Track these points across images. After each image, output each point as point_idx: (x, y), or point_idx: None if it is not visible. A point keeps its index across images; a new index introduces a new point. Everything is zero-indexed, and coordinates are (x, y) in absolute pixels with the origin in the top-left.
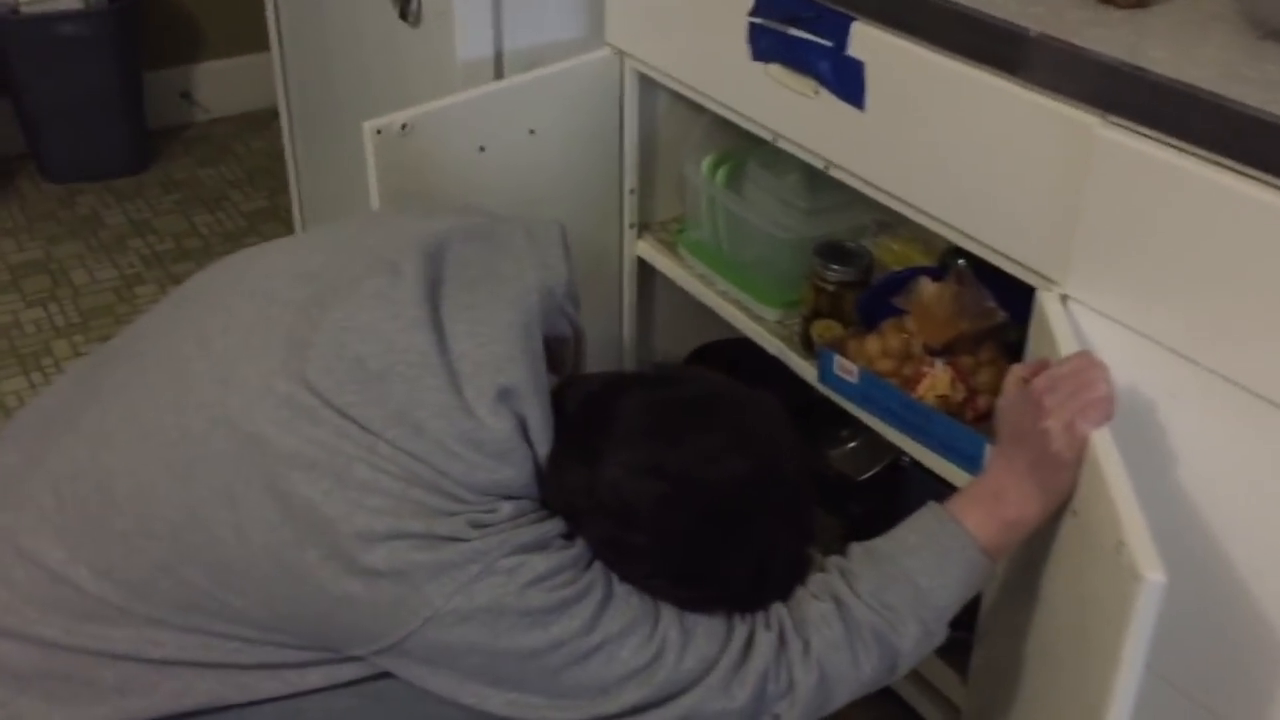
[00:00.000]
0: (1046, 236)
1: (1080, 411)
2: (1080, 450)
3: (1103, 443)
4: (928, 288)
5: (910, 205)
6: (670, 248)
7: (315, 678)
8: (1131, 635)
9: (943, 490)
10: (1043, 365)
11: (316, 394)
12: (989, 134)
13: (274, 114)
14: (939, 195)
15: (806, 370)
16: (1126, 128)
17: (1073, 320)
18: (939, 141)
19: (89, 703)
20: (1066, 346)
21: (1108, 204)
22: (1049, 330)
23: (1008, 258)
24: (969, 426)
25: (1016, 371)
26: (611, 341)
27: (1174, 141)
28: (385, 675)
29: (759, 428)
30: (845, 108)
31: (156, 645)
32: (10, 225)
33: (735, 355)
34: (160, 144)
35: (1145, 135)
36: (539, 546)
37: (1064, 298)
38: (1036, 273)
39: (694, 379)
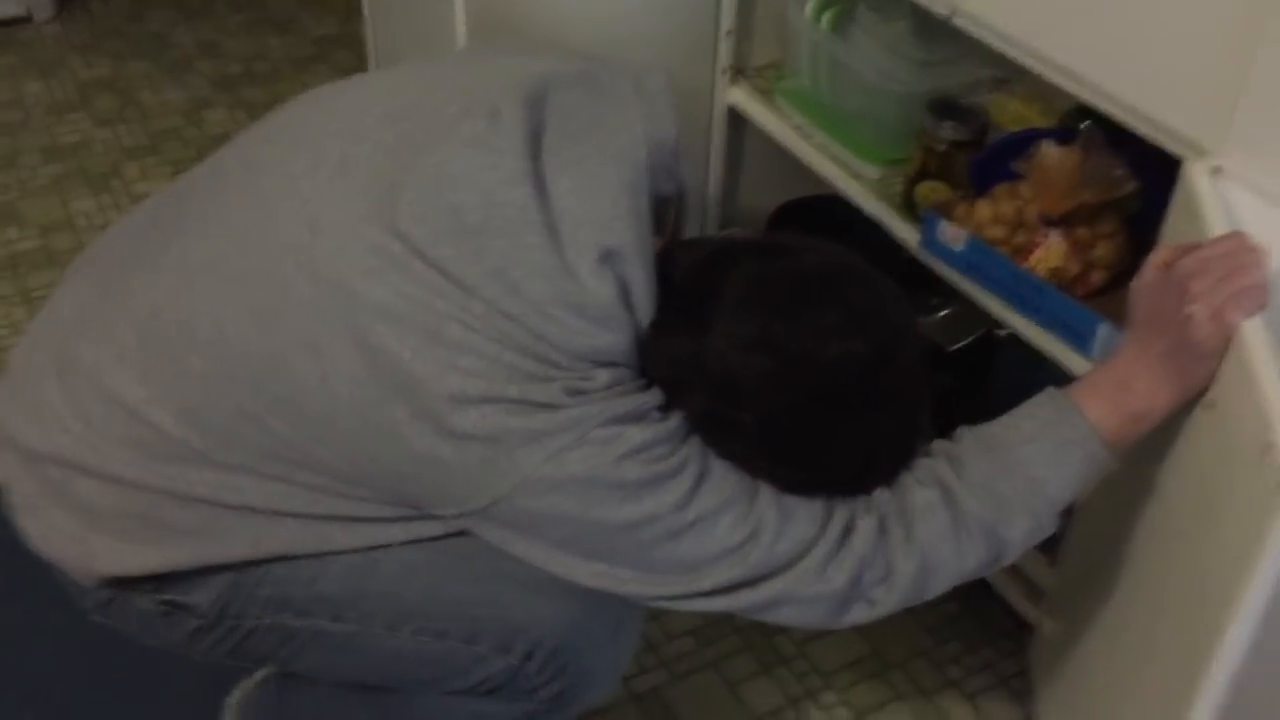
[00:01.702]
0: (1205, 100)
1: (1231, 298)
2: (1226, 341)
3: (1253, 334)
4: (1051, 152)
5: (1044, 59)
6: (766, 96)
7: (395, 533)
8: (1272, 547)
9: (1038, 365)
10: (1190, 249)
11: (408, 244)
12: None
13: None
14: (1079, 49)
15: (908, 234)
16: None
17: (1225, 197)
18: None
19: (164, 543)
20: (1217, 226)
21: None
22: (1197, 207)
23: (1153, 122)
24: (1083, 303)
25: (1160, 254)
26: (695, 193)
27: None
28: (465, 533)
29: (879, 308)
30: None
31: (236, 491)
32: (78, 41)
33: (821, 213)
34: None
35: None
36: (636, 418)
37: (1215, 170)
38: (1187, 141)
39: (811, 249)
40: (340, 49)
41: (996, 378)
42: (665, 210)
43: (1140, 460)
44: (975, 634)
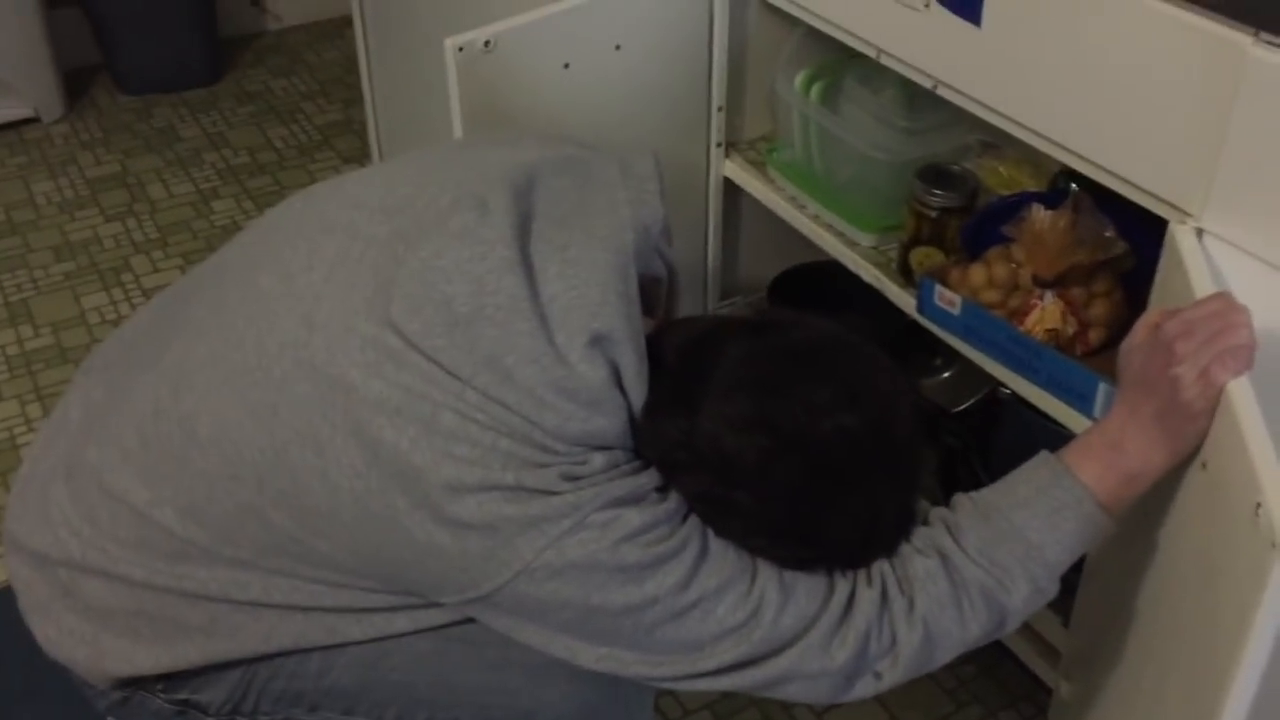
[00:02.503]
0: (1185, 164)
1: (1217, 358)
2: (1214, 401)
3: (1241, 393)
4: (1041, 215)
5: (1028, 129)
6: (759, 168)
7: (402, 622)
8: (1265, 605)
9: (1042, 425)
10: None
11: (402, 336)
12: (1123, 53)
13: (347, 22)
14: (1062, 118)
15: (904, 300)
16: None
17: (1209, 257)
18: (1064, 61)
19: (174, 642)
20: (1202, 286)
21: (1257, 130)
22: (1183, 268)
23: (1137, 187)
24: (1080, 363)
25: (1149, 316)
26: (695, 266)
27: None
28: (472, 619)
29: (871, 380)
30: (959, 23)
31: (243, 587)
32: (87, 138)
33: (820, 280)
34: (232, 54)
35: None
36: (633, 500)
37: (1199, 232)
38: (1170, 204)
39: (801, 325)
40: (344, 135)
41: (1001, 437)
42: (656, 290)
43: (1143, 521)
44: (995, 697)
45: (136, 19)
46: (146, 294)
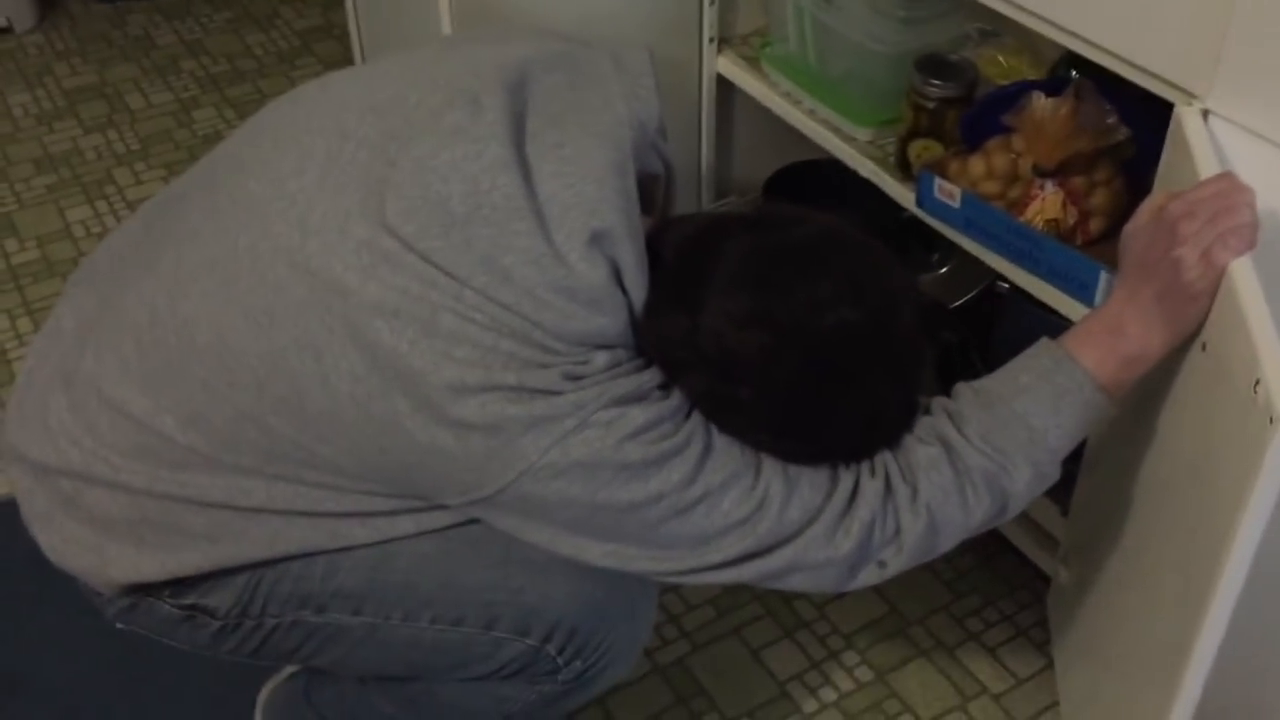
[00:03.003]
0: (1190, 44)
1: (1219, 238)
2: (1216, 281)
3: (1242, 273)
4: (1041, 103)
5: (1030, 12)
6: (753, 63)
7: (406, 524)
8: (1262, 479)
9: (1041, 318)
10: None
11: (398, 238)
12: None
13: None
14: (1065, 1)
15: (902, 193)
16: None
17: (1215, 139)
18: None
19: (178, 548)
20: (1207, 168)
21: (1264, 8)
22: (1188, 150)
23: (1142, 69)
24: (1082, 252)
25: (1153, 200)
26: (689, 165)
27: None
28: (475, 520)
29: (873, 275)
30: None
31: (246, 494)
32: (62, 48)
33: (817, 177)
34: None
35: None
36: (636, 398)
37: (1205, 113)
38: (1175, 85)
39: (801, 221)
40: (325, 40)
41: (1000, 331)
42: (653, 188)
43: (1141, 405)
44: (993, 587)
45: None
46: (130, 206)
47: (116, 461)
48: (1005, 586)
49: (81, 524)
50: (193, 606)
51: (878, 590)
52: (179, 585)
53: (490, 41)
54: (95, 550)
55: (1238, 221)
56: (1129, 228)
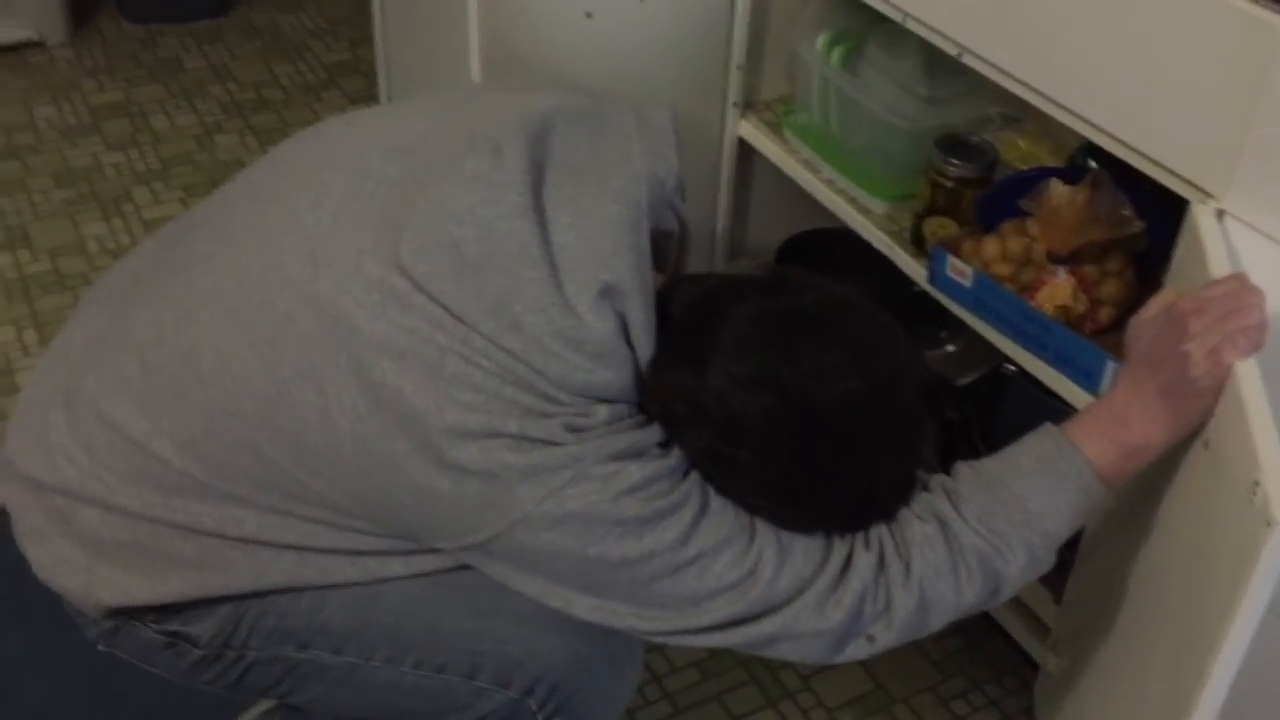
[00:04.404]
0: (1211, 145)
1: (1228, 337)
2: (1221, 379)
3: (1247, 374)
4: (1059, 190)
5: (1053, 101)
6: (774, 130)
7: (396, 566)
8: (1256, 581)
9: (1046, 401)
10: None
11: (410, 279)
12: (1155, 28)
13: None
14: (1088, 91)
15: (914, 269)
16: None
17: (1228, 239)
18: (1094, 33)
19: (167, 574)
20: (1220, 267)
21: None
22: (1201, 248)
23: (1161, 165)
24: (1090, 340)
25: (1163, 295)
26: (704, 226)
27: None
28: (465, 567)
29: (879, 345)
30: None
31: (238, 523)
32: (91, 65)
33: (829, 246)
34: None
35: None
36: (635, 454)
37: (1220, 213)
38: (1193, 184)
39: (812, 288)
40: (351, 75)
41: (1004, 412)
42: (667, 245)
43: (1141, 498)
44: (980, 670)
45: None
46: (147, 225)
47: (111, 482)
48: (993, 670)
49: (73, 543)
50: (175, 634)
51: (864, 666)
52: (163, 611)
53: (517, 90)
54: (84, 570)
55: (1247, 322)
56: (1137, 319)
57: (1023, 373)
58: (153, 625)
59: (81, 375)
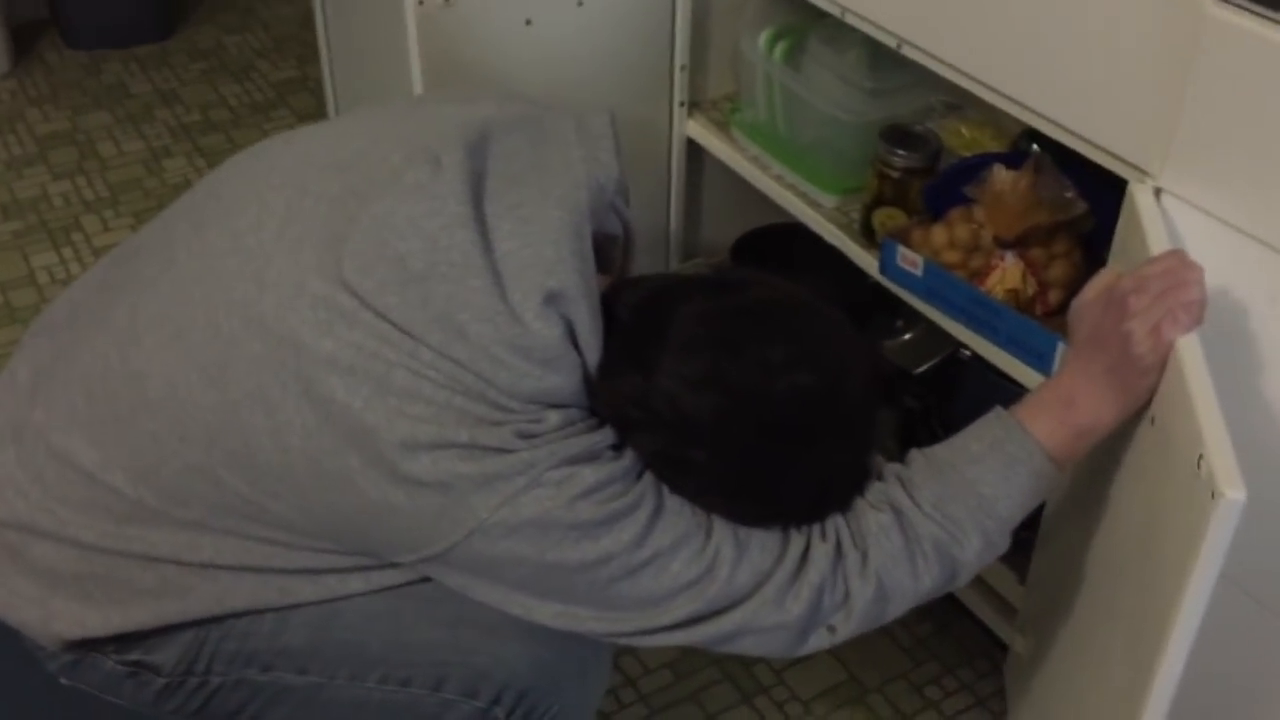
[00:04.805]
0: (1144, 124)
1: (1168, 314)
2: (1164, 356)
3: (1189, 349)
4: (1002, 175)
5: (990, 88)
6: (722, 128)
7: (355, 583)
8: (1205, 553)
9: (1003, 385)
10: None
11: (354, 294)
12: (1085, 13)
13: None
14: (1024, 78)
15: (866, 260)
16: (1238, 6)
17: (1167, 216)
18: (1027, 20)
19: (125, 603)
20: (1158, 244)
21: (1215, 90)
22: (1140, 227)
23: (1098, 146)
24: (1040, 322)
25: (1104, 275)
26: (657, 227)
27: None
28: (425, 579)
29: (827, 340)
30: None
31: (194, 549)
32: (35, 94)
33: (784, 242)
34: (184, 9)
35: (1259, 15)
36: (588, 458)
37: (1158, 191)
38: (1130, 164)
39: (756, 284)
40: (299, 93)
41: (962, 398)
42: (611, 248)
43: (1093, 476)
44: (952, 655)
45: None
46: (97, 253)
47: (64, 514)
48: (964, 654)
49: (27, 577)
50: (137, 663)
51: (836, 656)
52: (123, 641)
53: (456, 101)
54: (40, 604)
55: (1186, 298)
56: (1079, 301)
57: (977, 357)
58: (114, 656)
59: (29, 409)
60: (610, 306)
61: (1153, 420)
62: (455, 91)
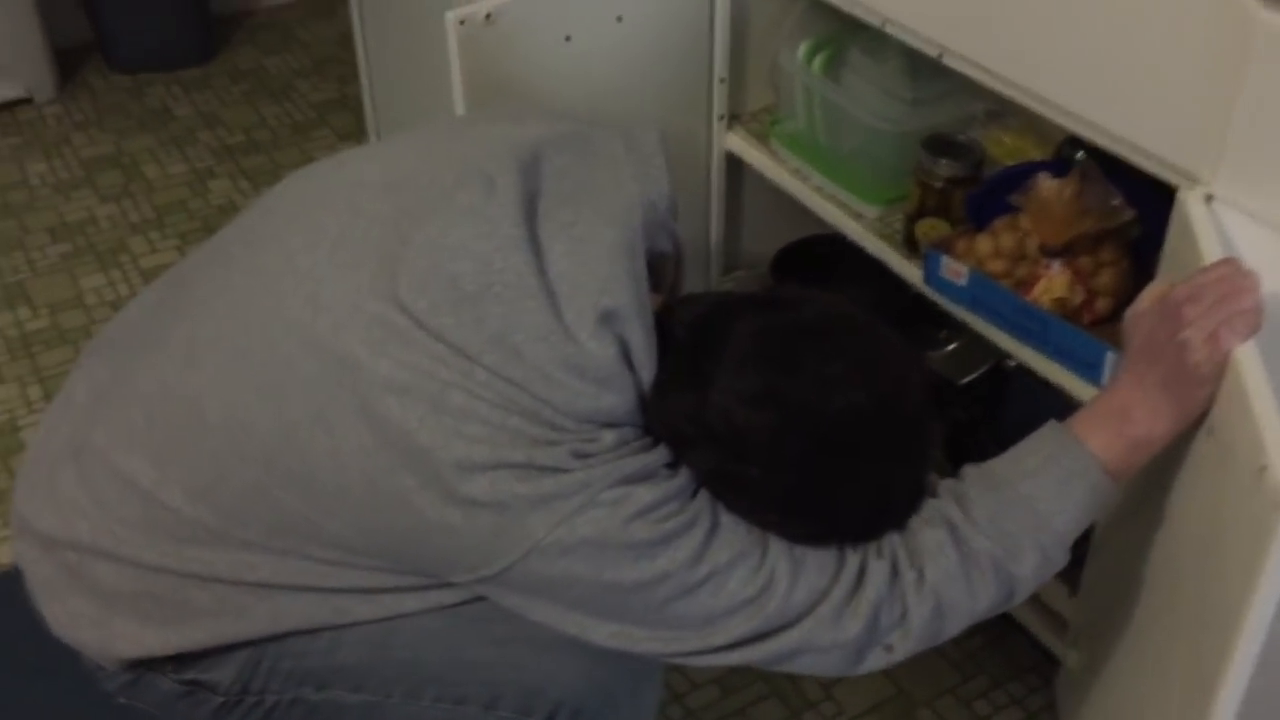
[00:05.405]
0: (1195, 130)
1: (1225, 323)
2: (1221, 365)
3: (1247, 358)
4: (1048, 184)
5: (1035, 96)
6: (762, 140)
7: (411, 602)
8: (1270, 565)
9: (1049, 395)
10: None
11: (409, 315)
12: (1132, 18)
13: None
14: (1070, 84)
15: (909, 271)
16: None
17: (1218, 223)
18: (1072, 26)
19: (182, 624)
20: (1211, 252)
21: (1267, 94)
22: (1191, 234)
23: (1146, 153)
24: (1088, 332)
25: (1157, 286)
26: (698, 240)
27: None
28: (480, 598)
29: (881, 357)
30: None
31: (252, 568)
32: (80, 118)
33: (825, 253)
34: (225, 31)
35: None
36: (643, 477)
37: (1208, 198)
38: (1180, 170)
39: (811, 301)
40: (339, 112)
41: (1008, 408)
42: (663, 267)
43: (1149, 488)
44: (1001, 669)
45: None
46: (144, 274)
47: (123, 534)
48: (1014, 669)
49: (86, 597)
50: (194, 682)
51: (885, 671)
52: (181, 660)
53: (504, 121)
54: (100, 624)
55: (1242, 306)
56: (1132, 311)
57: (1023, 367)
58: (171, 675)
59: (88, 429)
60: (664, 325)
61: (1210, 431)
62: (502, 110)
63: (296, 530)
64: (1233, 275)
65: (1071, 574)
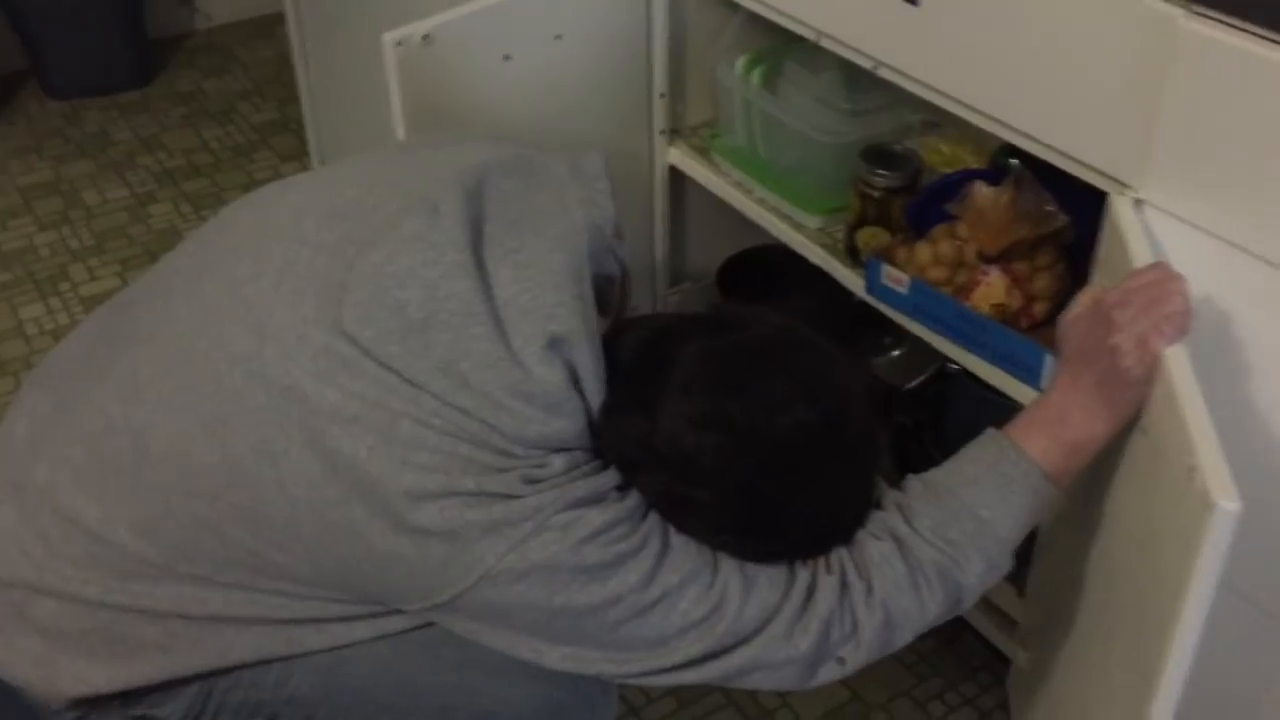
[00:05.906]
0: (1122, 137)
1: (1154, 326)
2: (1152, 368)
3: (1177, 360)
4: (983, 192)
5: (968, 107)
6: (704, 154)
7: (362, 630)
8: (1201, 564)
9: (992, 398)
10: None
11: (356, 344)
12: (1059, 29)
13: (279, 19)
14: (1001, 95)
15: (852, 280)
16: (1212, 19)
17: (1148, 227)
18: (1001, 38)
19: (131, 660)
20: (1141, 256)
21: (1191, 101)
22: (1122, 239)
23: (1077, 160)
24: (1026, 336)
25: (1090, 290)
26: (642, 255)
27: (1264, 33)
28: (431, 624)
29: (826, 374)
30: (897, 3)
31: (199, 602)
32: (16, 145)
33: (769, 263)
34: (162, 54)
35: (1233, 27)
36: (594, 500)
37: (1138, 203)
38: (1109, 176)
39: (755, 322)
40: (281, 134)
41: (952, 413)
42: (609, 289)
43: (1088, 489)
44: (955, 670)
45: (63, 22)
46: (85, 303)
47: (68, 572)
48: (966, 669)
49: (31, 636)
50: (143, 718)
51: None
52: (129, 697)
53: (446, 146)
54: (45, 663)
55: (1171, 309)
56: (1066, 317)
57: (965, 371)
58: (119, 711)
59: (31, 465)
60: (611, 348)
61: (1144, 431)
62: (445, 135)
63: (244, 563)
64: (1162, 279)
65: (1019, 575)
